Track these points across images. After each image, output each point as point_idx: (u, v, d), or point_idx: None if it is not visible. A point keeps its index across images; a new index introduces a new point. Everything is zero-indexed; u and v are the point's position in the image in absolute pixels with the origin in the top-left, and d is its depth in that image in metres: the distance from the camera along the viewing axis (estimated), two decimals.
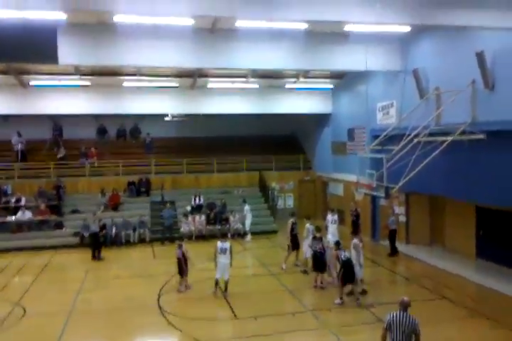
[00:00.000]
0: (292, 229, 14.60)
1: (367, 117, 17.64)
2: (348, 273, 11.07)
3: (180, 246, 12.50)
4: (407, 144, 13.25)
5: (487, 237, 14.56)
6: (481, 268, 14.04)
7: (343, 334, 9.61)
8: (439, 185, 13.65)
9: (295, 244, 14.56)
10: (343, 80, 20.77)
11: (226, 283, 12.06)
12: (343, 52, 15.59)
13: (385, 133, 15.12)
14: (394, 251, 15.84)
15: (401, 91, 15.87)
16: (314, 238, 12.88)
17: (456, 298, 11.50)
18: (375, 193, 14.16)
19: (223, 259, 11.96)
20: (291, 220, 14.84)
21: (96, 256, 16.24)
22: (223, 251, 11.99)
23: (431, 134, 13.07)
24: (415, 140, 13.11)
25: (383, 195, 13.35)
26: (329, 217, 16.06)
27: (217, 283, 12.12)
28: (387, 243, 16.82)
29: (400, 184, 12.63)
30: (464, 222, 15.21)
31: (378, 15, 11.91)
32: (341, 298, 11.17)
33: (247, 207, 19.67)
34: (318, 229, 13.17)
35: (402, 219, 15.89)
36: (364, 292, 11.83)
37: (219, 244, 12.17)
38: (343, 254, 11.22)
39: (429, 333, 8.41)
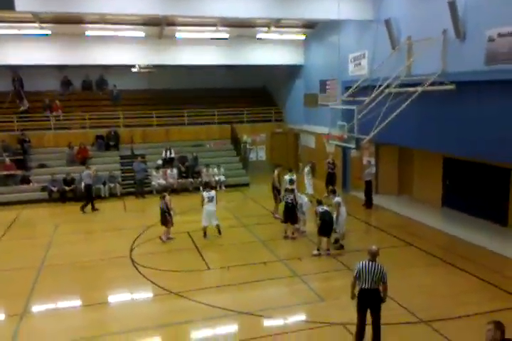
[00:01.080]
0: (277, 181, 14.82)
1: (339, 68, 17.39)
2: (324, 225, 11.14)
3: (163, 197, 12.71)
4: (378, 95, 13.18)
5: (453, 187, 15.01)
6: (447, 217, 14.56)
7: (313, 281, 9.94)
8: (408, 137, 13.77)
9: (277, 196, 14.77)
10: (315, 30, 20.25)
11: (218, 227, 12.97)
12: (315, 0, 15.11)
13: (356, 85, 14.99)
14: (369, 203, 15.98)
15: (373, 41, 15.60)
16: (286, 190, 13.20)
17: (423, 245, 11.92)
18: (345, 145, 14.23)
19: (211, 207, 12.75)
20: (276, 172, 15.00)
21: (95, 208, 16.54)
22: (210, 199, 12.74)
23: (402, 85, 12.99)
24: (386, 91, 13.04)
25: (354, 146, 13.42)
26: (306, 169, 16.44)
27: (205, 230, 12.82)
28: (357, 193, 17.19)
29: (371, 135, 12.67)
30: (432, 172, 15.59)
31: None
32: (318, 250, 11.39)
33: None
34: (291, 181, 13.69)
35: (372, 170, 16.10)
36: (341, 247, 11.85)
37: (205, 193, 12.84)
38: (321, 207, 11.29)
39: (397, 278, 8.87)
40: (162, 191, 18.54)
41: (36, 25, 16.99)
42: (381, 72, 14.00)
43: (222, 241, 12.81)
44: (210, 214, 12.81)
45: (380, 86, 13.34)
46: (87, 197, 16.71)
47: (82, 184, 16.87)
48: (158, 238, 12.69)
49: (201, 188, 16.83)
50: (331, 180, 16.98)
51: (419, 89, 12.18)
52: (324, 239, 11.42)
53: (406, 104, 12.19)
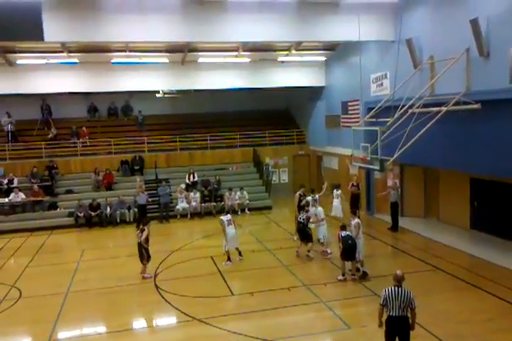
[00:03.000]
0: (300, 201, 14.89)
1: (360, 89, 17.32)
2: (347, 249, 10.91)
3: (141, 230, 11.89)
4: (402, 116, 13.03)
5: (481, 208, 14.56)
6: (475, 240, 14.09)
7: (339, 307, 9.68)
8: (434, 157, 13.53)
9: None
10: (336, 52, 20.37)
11: (239, 250, 12.97)
12: (335, 23, 15.25)
13: (379, 105, 14.88)
14: (395, 226, 15.57)
15: (394, 61, 15.49)
16: (302, 209, 13.81)
17: (451, 269, 11.55)
18: (369, 166, 14.03)
19: (232, 229, 12.74)
20: (298, 192, 15.26)
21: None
22: (230, 222, 12.74)
23: (425, 105, 12.83)
24: (409, 111, 12.89)
25: (378, 167, 13.22)
26: (334, 192, 16.09)
27: (229, 253, 12.69)
28: (382, 216, 16.87)
29: (395, 156, 12.47)
30: (459, 193, 15.19)
31: None
32: (343, 275, 11.15)
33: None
34: (315, 201, 14.09)
35: (397, 192, 15.77)
36: (364, 274, 11.38)
37: (223, 217, 12.82)
38: (344, 232, 11.09)
39: (424, 304, 8.54)
40: (185, 215, 18.80)
41: (64, 54, 17.58)
42: (404, 92, 13.88)
43: (246, 265, 12.66)
44: (234, 236, 12.79)
45: (403, 106, 13.21)
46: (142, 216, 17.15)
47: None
48: (142, 278, 11.89)
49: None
50: (354, 201, 16.65)
51: (444, 108, 12.00)
52: (348, 264, 11.17)
53: (430, 124, 12.00)
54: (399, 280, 6.95)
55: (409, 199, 17.11)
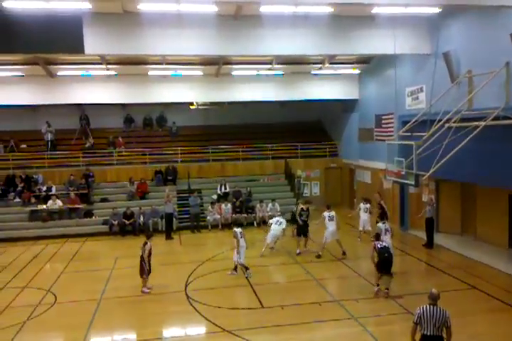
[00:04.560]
0: (300, 215, 14.92)
1: (395, 102, 17.15)
2: (384, 261, 10.74)
3: (144, 244, 11.78)
4: (438, 130, 12.83)
5: None
6: None
7: (371, 324, 9.48)
8: (471, 172, 13.21)
9: (299, 230, 14.97)
10: (370, 65, 20.27)
11: (245, 264, 12.86)
12: (370, 36, 15.20)
13: (414, 119, 14.68)
14: (430, 243, 15.17)
15: (431, 75, 15.32)
16: (302, 209, 14.82)
17: (488, 289, 11.18)
18: (404, 181, 13.82)
19: (244, 243, 12.80)
20: (301, 206, 15.21)
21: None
22: (242, 235, 12.82)
23: (463, 119, 12.60)
24: (446, 125, 12.68)
25: (413, 182, 13.01)
26: (361, 205, 15.92)
27: (244, 265, 12.72)
28: (417, 232, 16.53)
29: (431, 172, 12.27)
30: (497, 210, 14.72)
31: None
32: (378, 285, 11.04)
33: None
34: (330, 218, 14.27)
35: (433, 207, 15.42)
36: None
37: (237, 229, 12.96)
38: (380, 243, 10.94)
39: (459, 324, 8.21)
40: (216, 225, 18.90)
41: (103, 66, 18.12)
42: (440, 106, 13.68)
43: (276, 278, 12.62)
44: (245, 250, 12.84)
45: (439, 120, 13.01)
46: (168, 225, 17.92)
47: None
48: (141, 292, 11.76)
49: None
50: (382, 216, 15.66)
51: (482, 123, 11.75)
52: (384, 277, 10.93)
53: (468, 139, 11.77)
54: (434, 299, 6.79)
55: (445, 215, 16.70)
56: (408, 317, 9.31)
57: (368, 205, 15.86)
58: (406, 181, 13.66)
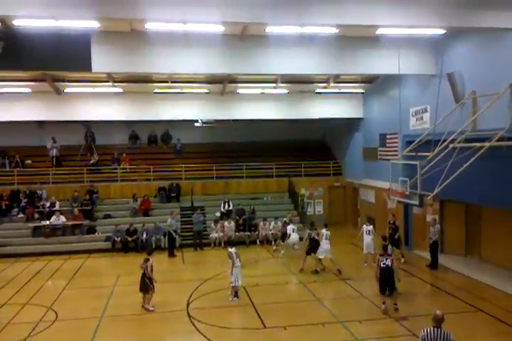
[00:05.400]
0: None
1: (399, 122, 17.18)
2: (385, 280, 10.93)
3: (146, 260, 11.72)
4: (442, 150, 12.84)
5: None
6: None
7: None
8: (475, 193, 13.17)
9: (311, 249, 14.93)
10: (375, 84, 20.43)
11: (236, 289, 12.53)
12: (374, 56, 15.35)
13: (419, 139, 14.71)
14: (434, 263, 15.06)
15: (435, 95, 15.39)
16: (310, 228, 15.15)
17: (493, 311, 11.01)
18: (408, 201, 13.76)
19: (239, 263, 12.56)
20: (308, 231, 15.33)
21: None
22: (237, 255, 12.58)
23: (467, 140, 12.62)
24: (450, 146, 12.70)
25: (417, 202, 12.96)
26: (364, 227, 15.60)
27: (237, 289, 12.43)
28: (421, 253, 16.38)
29: (435, 192, 12.23)
30: (502, 231, 14.58)
31: (411, 18, 11.68)
32: (384, 303, 11.06)
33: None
34: (327, 237, 14.65)
35: (437, 228, 15.30)
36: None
37: (232, 250, 12.64)
38: (384, 262, 10.99)
39: None
40: (219, 243, 18.79)
41: (109, 83, 18.33)
42: (444, 127, 13.72)
43: (279, 298, 12.47)
44: (240, 271, 12.53)
45: (443, 141, 13.03)
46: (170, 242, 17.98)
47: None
48: (143, 307, 11.67)
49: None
50: (393, 241, 15.03)
51: (487, 144, 11.76)
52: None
53: (473, 159, 11.76)
54: (438, 321, 6.68)
55: (449, 236, 16.55)
56: (412, 339, 9.19)
57: (371, 227, 15.55)
58: (410, 201, 13.60)
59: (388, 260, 11.02)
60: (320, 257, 14.57)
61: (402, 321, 10.52)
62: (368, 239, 15.34)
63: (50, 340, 10.03)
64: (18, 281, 14.49)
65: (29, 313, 11.61)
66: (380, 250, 11.88)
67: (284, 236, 18.01)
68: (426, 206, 15.35)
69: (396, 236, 15.49)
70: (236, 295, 12.37)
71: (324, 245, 14.56)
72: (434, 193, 12.30)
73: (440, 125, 14.24)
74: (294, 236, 17.22)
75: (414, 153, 14.69)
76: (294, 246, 17.14)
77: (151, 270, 11.67)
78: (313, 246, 14.76)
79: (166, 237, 18.45)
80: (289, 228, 17.56)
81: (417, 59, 15.71)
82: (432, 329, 6.62)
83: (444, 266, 15.15)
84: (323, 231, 14.73)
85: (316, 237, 14.74)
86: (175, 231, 18.22)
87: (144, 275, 11.63)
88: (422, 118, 16.60)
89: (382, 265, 10.95)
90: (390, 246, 12.08)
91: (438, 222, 15.62)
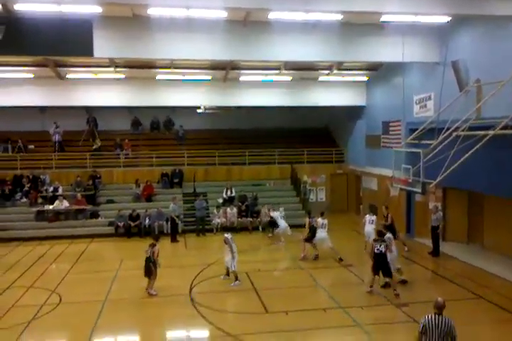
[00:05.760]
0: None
1: (403, 110, 17.12)
2: (378, 265, 11.33)
3: (152, 245, 11.84)
4: (446, 138, 12.82)
5: None
6: None
7: (376, 332, 9.46)
8: (478, 181, 13.19)
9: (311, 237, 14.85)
10: (378, 72, 20.28)
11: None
12: (379, 44, 15.26)
13: (422, 127, 14.68)
14: (436, 251, 15.07)
15: (439, 83, 15.32)
16: (309, 215, 15.31)
17: (495, 298, 11.09)
18: (411, 188, 13.79)
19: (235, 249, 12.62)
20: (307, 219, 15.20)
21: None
22: (233, 241, 12.72)
23: (471, 128, 12.59)
24: (454, 134, 12.68)
25: (420, 190, 12.99)
26: (367, 217, 15.52)
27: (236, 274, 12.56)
28: (422, 240, 16.47)
29: (438, 179, 12.25)
30: (505, 219, 14.64)
31: (416, 5, 11.58)
32: (371, 287, 11.51)
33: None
34: (323, 225, 14.54)
35: (439, 215, 15.37)
36: (404, 281, 12.16)
37: (228, 235, 12.79)
38: (378, 248, 11.34)
39: (466, 334, 8.17)
40: (221, 229, 18.90)
41: (111, 69, 18.24)
42: (448, 115, 13.68)
43: (280, 283, 12.60)
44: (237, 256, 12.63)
45: (447, 129, 13.00)
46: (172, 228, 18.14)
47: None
48: (146, 292, 11.72)
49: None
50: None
51: (491, 132, 11.73)
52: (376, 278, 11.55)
53: (476, 147, 11.74)
54: (440, 308, 6.73)
55: (451, 223, 16.61)
56: (413, 325, 9.26)
57: (374, 217, 15.48)
58: (413, 189, 13.63)
59: (382, 246, 11.34)
60: (314, 243, 14.67)
61: (403, 307, 10.64)
62: (369, 228, 15.21)
63: (55, 323, 10.17)
64: (21, 265, 14.64)
65: (33, 296, 11.77)
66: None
67: (274, 224, 18.10)
68: (428, 193, 15.38)
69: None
70: (236, 278, 12.51)
71: (321, 233, 14.51)
72: (436, 181, 12.32)
73: (444, 113, 14.19)
74: (282, 225, 17.35)
75: (417, 141, 14.69)
76: (287, 233, 17.25)
77: (157, 255, 11.76)
78: (313, 233, 14.77)
79: (169, 223, 18.56)
80: (276, 215, 17.71)
81: (422, 46, 15.59)
82: (433, 315, 6.67)
83: (446, 253, 15.24)
84: (320, 219, 14.66)
85: (315, 225, 14.69)
86: (177, 217, 18.32)
87: (148, 260, 11.71)
88: (425, 106, 16.54)
89: (376, 251, 11.32)
90: (389, 235, 12.12)
91: (440, 210, 15.67)
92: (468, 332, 8.73)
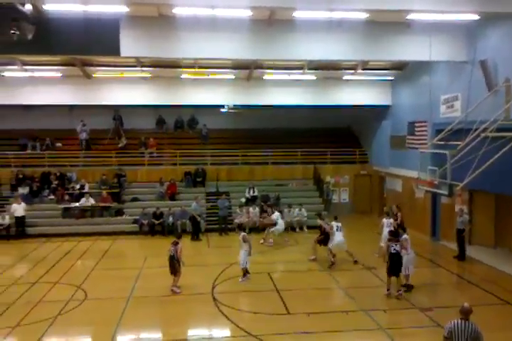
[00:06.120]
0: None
1: (429, 110, 16.83)
2: (393, 266, 11.22)
3: (175, 243, 12.00)
4: (473, 139, 12.55)
5: None
6: None
7: (398, 336, 9.32)
8: (507, 184, 12.86)
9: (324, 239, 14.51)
10: (404, 71, 19.99)
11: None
12: (405, 42, 15.02)
13: (449, 128, 14.39)
14: (462, 255, 14.73)
15: (467, 83, 15.02)
16: (320, 217, 15.03)
17: None
18: (437, 191, 13.54)
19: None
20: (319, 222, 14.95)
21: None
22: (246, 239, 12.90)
23: (499, 129, 12.29)
24: (482, 135, 12.39)
25: (446, 192, 12.74)
26: (385, 220, 15.17)
27: (245, 271, 12.81)
28: (448, 244, 16.18)
29: (465, 182, 12.00)
30: None
31: (444, 3, 11.37)
32: (388, 289, 11.36)
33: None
34: (338, 228, 14.08)
35: (465, 218, 15.05)
36: (410, 287, 11.78)
37: (244, 233, 13.18)
38: (394, 247, 11.26)
39: None
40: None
41: (137, 68, 18.46)
42: (476, 115, 13.38)
43: (302, 285, 12.53)
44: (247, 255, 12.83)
45: (475, 130, 12.72)
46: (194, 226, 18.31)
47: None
48: (171, 291, 11.87)
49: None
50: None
51: None
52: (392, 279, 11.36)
53: (504, 149, 11.46)
54: (466, 314, 6.60)
55: (478, 227, 16.22)
56: (436, 330, 9.13)
57: (391, 220, 15.19)
58: (439, 191, 13.38)
59: (398, 245, 11.28)
60: (332, 249, 14.07)
61: (427, 312, 10.46)
62: (386, 232, 14.60)
63: (80, 319, 10.35)
64: (48, 261, 14.97)
65: (59, 292, 12.01)
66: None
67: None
68: (455, 196, 15.07)
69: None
70: (245, 274, 12.77)
71: (339, 237, 13.96)
72: (463, 183, 12.08)
73: (472, 113, 13.90)
74: (280, 226, 17.15)
75: (443, 142, 14.40)
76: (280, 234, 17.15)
77: (181, 253, 11.92)
78: (325, 236, 14.36)
79: (191, 221, 18.69)
80: (276, 215, 17.42)
81: (449, 45, 15.28)
82: (459, 321, 6.55)
83: (472, 257, 14.92)
84: (333, 223, 14.19)
85: (327, 229, 14.25)
86: (199, 216, 18.43)
87: (172, 258, 11.85)
88: (452, 106, 16.22)
89: (392, 251, 11.23)
90: (406, 236, 11.89)
91: (466, 213, 15.35)
92: (494, 339, 8.53)
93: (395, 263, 11.24)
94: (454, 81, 16.29)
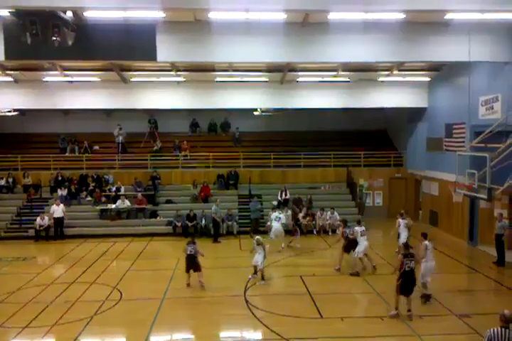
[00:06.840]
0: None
1: (468, 112, 16.40)
2: (405, 284, 10.15)
3: (193, 243, 12.47)
4: None
5: None
6: None
7: None
8: None
9: (348, 246, 13.90)
10: (441, 72, 19.54)
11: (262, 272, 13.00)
12: (443, 43, 14.65)
13: (489, 130, 13.99)
14: (501, 260, 14.22)
15: (508, 83, 14.56)
16: (346, 225, 14.29)
17: None
18: (475, 195, 13.17)
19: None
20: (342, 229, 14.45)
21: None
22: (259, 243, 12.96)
23: None
24: None
25: (485, 196, 12.38)
26: (400, 221, 14.84)
27: (256, 269, 12.95)
28: (487, 249, 15.68)
29: (506, 185, 11.63)
30: None
31: (483, 2, 11.06)
32: (396, 309, 10.32)
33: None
34: (363, 233, 13.61)
35: (505, 223, 14.55)
36: (428, 297, 11.05)
37: (258, 236, 13.30)
38: (408, 264, 10.18)
39: None
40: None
41: (172, 72, 18.75)
42: None
43: (336, 288, 12.40)
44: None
45: None
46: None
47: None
48: (199, 283, 12.25)
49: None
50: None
51: None
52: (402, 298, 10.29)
53: None
54: (507, 321, 6.40)
55: None
56: (475, 337, 8.89)
57: (406, 221, 14.86)
58: (478, 195, 13.02)
59: (413, 262, 10.23)
60: (360, 256, 13.55)
61: (465, 318, 10.14)
62: (404, 235, 14.56)
63: (115, 319, 10.54)
64: (85, 261, 15.34)
65: (96, 292, 12.27)
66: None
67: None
68: (494, 200, 14.61)
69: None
70: (255, 272, 12.90)
71: (364, 241, 13.52)
72: (504, 187, 11.72)
73: None
74: (276, 227, 16.44)
75: (483, 145, 14.01)
76: (278, 237, 16.59)
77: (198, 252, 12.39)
78: (349, 243, 13.77)
79: (225, 223, 18.85)
80: (273, 216, 16.75)
81: (489, 45, 14.79)
82: (499, 329, 6.36)
83: None
84: (357, 228, 13.72)
85: (350, 236, 13.73)
86: (221, 219, 18.64)
87: (192, 256, 12.23)
88: (492, 107, 15.73)
89: (406, 268, 10.12)
90: (427, 242, 11.12)
91: (505, 217, 14.85)
92: None
93: (407, 282, 10.13)
94: (494, 82, 15.82)
